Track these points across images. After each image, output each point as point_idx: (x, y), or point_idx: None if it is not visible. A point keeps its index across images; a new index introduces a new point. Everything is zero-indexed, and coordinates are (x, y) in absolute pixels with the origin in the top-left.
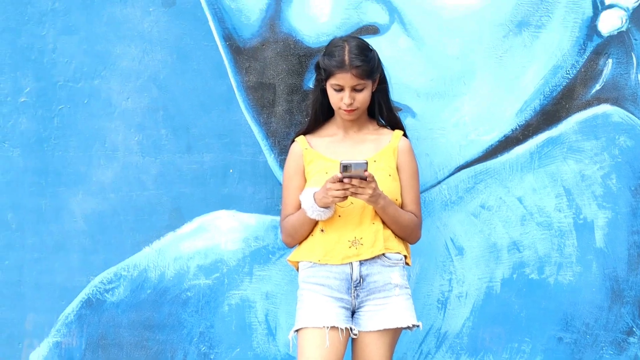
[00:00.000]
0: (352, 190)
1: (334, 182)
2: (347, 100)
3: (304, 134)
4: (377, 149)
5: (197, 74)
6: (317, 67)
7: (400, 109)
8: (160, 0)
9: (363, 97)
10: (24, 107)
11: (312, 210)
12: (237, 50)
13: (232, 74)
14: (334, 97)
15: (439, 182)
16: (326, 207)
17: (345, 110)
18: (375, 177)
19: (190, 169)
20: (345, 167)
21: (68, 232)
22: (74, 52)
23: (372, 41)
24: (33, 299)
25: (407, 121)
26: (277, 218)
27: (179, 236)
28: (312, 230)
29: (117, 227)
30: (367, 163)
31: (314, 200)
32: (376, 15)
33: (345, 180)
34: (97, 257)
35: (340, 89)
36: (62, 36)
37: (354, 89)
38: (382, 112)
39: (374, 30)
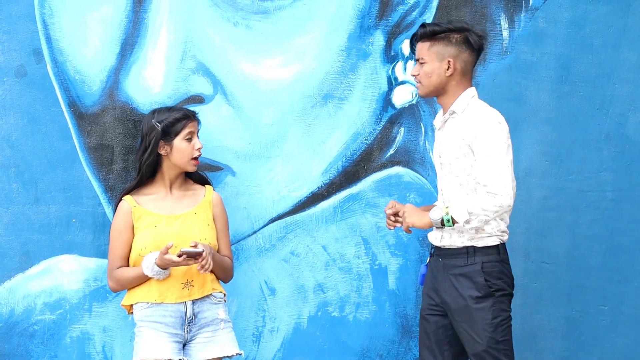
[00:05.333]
0: (184, 263)
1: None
2: (198, 144)
3: (129, 192)
4: (196, 202)
5: (45, 136)
6: (152, 131)
7: (222, 168)
8: (13, 72)
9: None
10: None
11: (154, 272)
12: (80, 116)
13: (75, 136)
14: (187, 148)
15: (255, 232)
16: (165, 269)
17: (195, 159)
18: (197, 227)
19: (38, 218)
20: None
21: None
22: None
23: (198, 109)
24: None
25: (227, 179)
26: None
27: (27, 277)
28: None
29: None
30: (203, 252)
31: (154, 263)
32: (202, 87)
33: (182, 258)
34: None
35: (191, 137)
36: None
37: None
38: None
39: (199, 99)
